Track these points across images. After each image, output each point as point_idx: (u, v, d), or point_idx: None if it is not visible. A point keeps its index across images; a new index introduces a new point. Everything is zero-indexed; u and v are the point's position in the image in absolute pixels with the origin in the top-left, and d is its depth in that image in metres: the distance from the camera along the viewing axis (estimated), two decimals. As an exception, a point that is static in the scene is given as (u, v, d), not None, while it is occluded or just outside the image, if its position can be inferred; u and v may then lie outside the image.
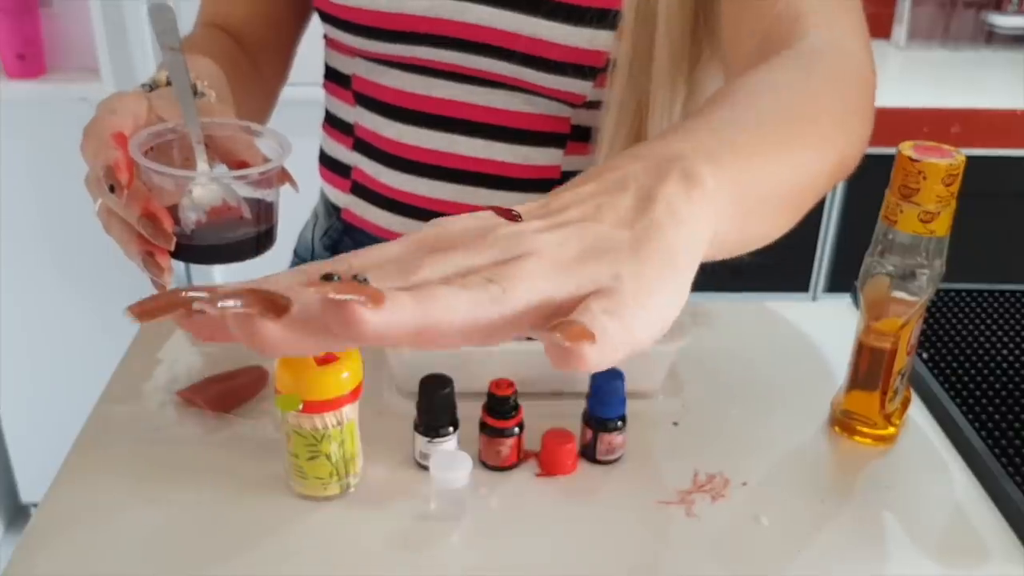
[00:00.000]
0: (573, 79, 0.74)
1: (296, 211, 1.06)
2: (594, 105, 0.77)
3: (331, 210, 0.92)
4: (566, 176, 0.81)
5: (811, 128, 0.52)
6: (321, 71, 0.88)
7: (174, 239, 0.56)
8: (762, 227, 0.50)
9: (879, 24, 2.16)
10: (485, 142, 0.79)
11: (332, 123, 0.89)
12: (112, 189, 0.54)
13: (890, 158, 0.65)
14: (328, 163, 0.91)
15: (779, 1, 0.61)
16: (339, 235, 0.91)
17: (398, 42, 0.76)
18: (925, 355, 0.82)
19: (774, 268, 1.90)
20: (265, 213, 0.61)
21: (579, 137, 0.79)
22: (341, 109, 0.87)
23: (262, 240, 0.61)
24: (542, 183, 0.81)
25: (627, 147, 0.74)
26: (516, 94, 0.77)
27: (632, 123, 0.75)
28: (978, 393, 0.77)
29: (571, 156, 0.80)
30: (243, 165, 0.60)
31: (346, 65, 0.83)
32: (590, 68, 0.73)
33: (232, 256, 0.60)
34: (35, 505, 1.99)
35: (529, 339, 0.79)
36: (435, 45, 0.75)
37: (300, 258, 0.98)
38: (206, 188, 0.58)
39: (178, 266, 1.71)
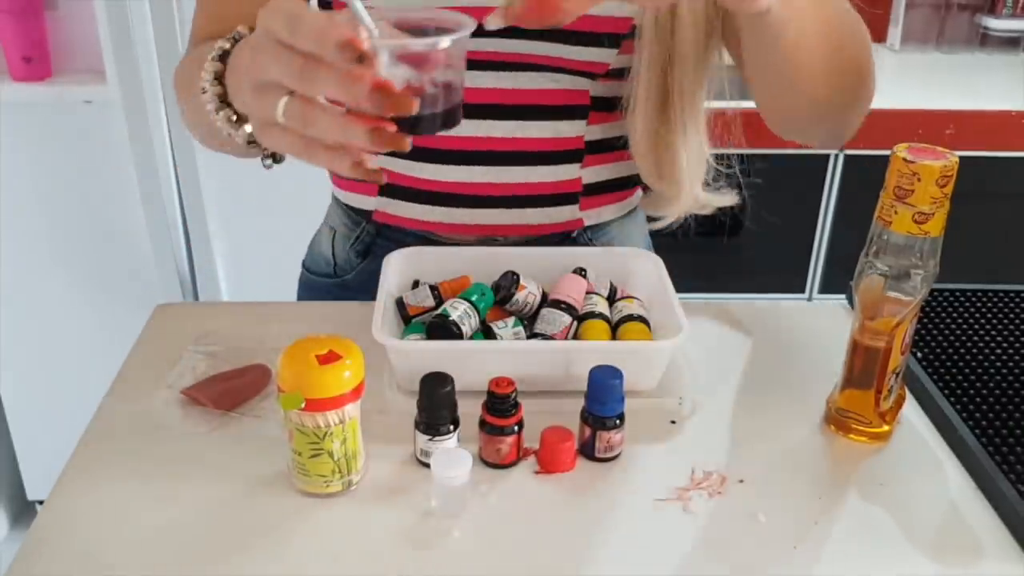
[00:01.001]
0: (600, 48, 0.80)
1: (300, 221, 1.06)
2: (614, 74, 0.83)
3: (357, 217, 0.94)
4: (589, 145, 0.87)
5: (847, 19, 0.73)
6: None
7: (415, 99, 0.54)
8: (792, 25, 0.65)
9: (874, 27, 2.16)
10: (517, 123, 0.84)
11: None
12: (360, 60, 0.52)
13: (884, 159, 0.66)
14: None
15: None
16: (371, 239, 0.93)
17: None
18: (919, 354, 0.83)
19: (770, 270, 1.91)
20: (450, 91, 0.60)
21: (599, 107, 0.86)
22: None
23: (449, 116, 0.61)
24: (569, 154, 0.87)
25: (658, 108, 0.83)
26: (543, 74, 0.82)
27: (660, 83, 0.81)
28: (972, 392, 0.78)
29: (593, 126, 0.87)
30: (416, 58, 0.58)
31: None
32: (616, 36, 0.79)
33: (426, 128, 0.59)
34: (41, 502, 2.00)
35: (529, 338, 0.80)
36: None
37: (319, 275, 0.99)
38: (395, 68, 0.57)
39: (180, 262, 1.72)
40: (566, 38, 0.79)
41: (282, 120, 0.56)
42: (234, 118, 0.66)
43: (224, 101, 0.66)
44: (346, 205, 0.95)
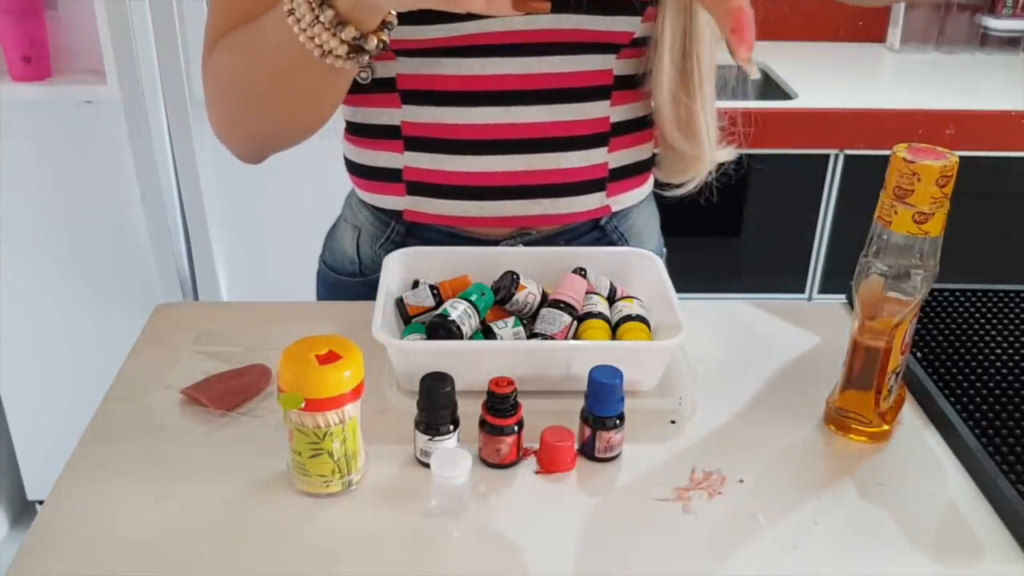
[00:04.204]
0: (624, 16, 0.82)
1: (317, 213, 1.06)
2: (636, 45, 0.86)
3: (386, 218, 0.93)
4: (614, 127, 0.88)
5: None
6: None
7: None
8: None
9: (874, 27, 2.17)
10: (545, 107, 0.85)
11: (370, 133, 0.90)
12: None
13: (884, 159, 0.66)
14: (370, 174, 0.91)
15: None
16: (401, 238, 0.93)
17: (457, 20, 0.79)
18: (919, 354, 0.83)
19: (770, 270, 1.92)
20: None
21: (621, 86, 0.88)
22: (381, 115, 0.88)
23: None
24: (597, 138, 0.88)
25: (680, 70, 0.86)
26: (567, 56, 0.83)
27: (682, 45, 0.86)
28: (972, 392, 0.78)
29: (617, 106, 0.89)
30: None
31: (386, 69, 0.84)
32: (639, 2, 0.83)
33: None
34: (41, 502, 2.00)
35: (529, 338, 0.80)
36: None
37: (343, 273, 0.98)
38: None
39: (180, 262, 1.72)
40: (593, 8, 0.81)
41: None
42: (336, 22, 0.67)
43: (325, 2, 0.66)
44: (372, 206, 0.93)
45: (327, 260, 1.01)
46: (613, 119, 0.88)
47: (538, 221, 0.90)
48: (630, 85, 0.89)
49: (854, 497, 0.68)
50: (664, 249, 1.04)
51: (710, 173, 0.95)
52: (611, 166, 0.90)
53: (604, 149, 0.89)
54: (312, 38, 0.68)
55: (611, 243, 0.94)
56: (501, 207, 0.88)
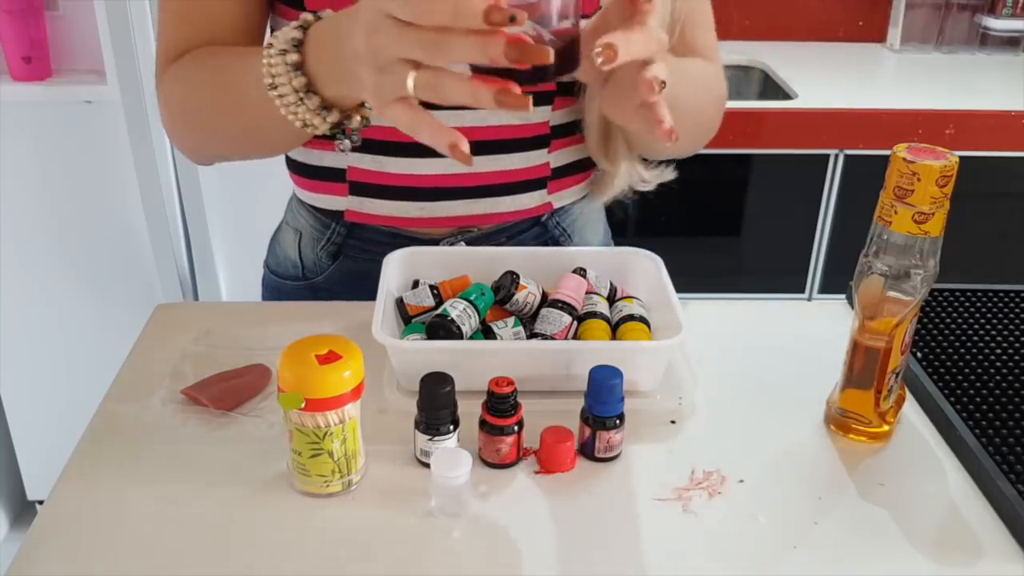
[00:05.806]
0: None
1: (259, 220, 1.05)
2: None
3: (327, 219, 0.93)
4: (554, 130, 0.90)
5: (706, 87, 0.86)
6: None
7: (551, 50, 0.55)
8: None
9: (874, 28, 2.17)
10: (486, 111, 0.83)
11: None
12: (513, 20, 0.53)
13: (884, 159, 0.66)
14: (315, 174, 0.91)
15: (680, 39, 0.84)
16: (342, 239, 0.93)
17: None
18: (919, 354, 0.83)
19: (770, 270, 1.92)
20: (568, 37, 0.60)
21: (562, 92, 0.89)
22: None
23: (570, 61, 0.61)
24: (537, 140, 0.89)
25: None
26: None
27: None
28: (972, 392, 0.78)
29: (558, 111, 0.90)
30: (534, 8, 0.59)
31: None
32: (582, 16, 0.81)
33: (549, 77, 0.60)
34: (41, 502, 2.00)
35: (529, 338, 0.80)
36: None
37: (286, 278, 0.98)
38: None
39: (180, 262, 1.72)
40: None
41: (413, 93, 0.58)
42: (321, 107, 0.67)
43: (310, 90, 0.66)
44: (312, 207, 0.93)
45: (271, 265, 1.01)
46: (553, 122, 0.89)
47: (480, 220, 0.91)
48: (571, 92, 0.90)
49: (854, 497, 0.68)
50: (612, 242, 1.05)
51: (625, 191, 0.95)
52: (553, 165, 0.91)
53: (544, 150, 0.90)
54: (295, 114, 0.68)
55: (553, 239, 0.95)
56: (443, 207, 0.89)
